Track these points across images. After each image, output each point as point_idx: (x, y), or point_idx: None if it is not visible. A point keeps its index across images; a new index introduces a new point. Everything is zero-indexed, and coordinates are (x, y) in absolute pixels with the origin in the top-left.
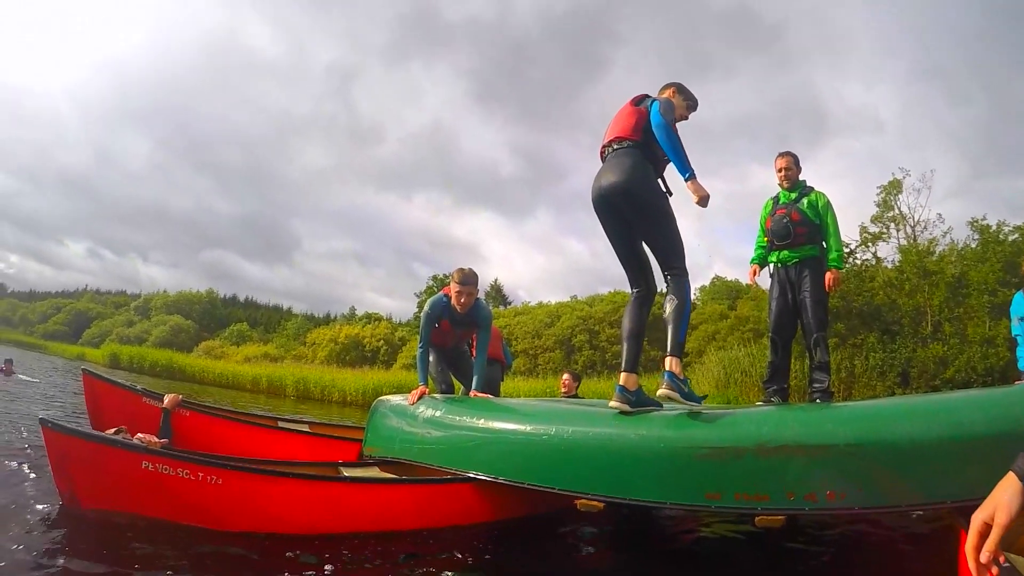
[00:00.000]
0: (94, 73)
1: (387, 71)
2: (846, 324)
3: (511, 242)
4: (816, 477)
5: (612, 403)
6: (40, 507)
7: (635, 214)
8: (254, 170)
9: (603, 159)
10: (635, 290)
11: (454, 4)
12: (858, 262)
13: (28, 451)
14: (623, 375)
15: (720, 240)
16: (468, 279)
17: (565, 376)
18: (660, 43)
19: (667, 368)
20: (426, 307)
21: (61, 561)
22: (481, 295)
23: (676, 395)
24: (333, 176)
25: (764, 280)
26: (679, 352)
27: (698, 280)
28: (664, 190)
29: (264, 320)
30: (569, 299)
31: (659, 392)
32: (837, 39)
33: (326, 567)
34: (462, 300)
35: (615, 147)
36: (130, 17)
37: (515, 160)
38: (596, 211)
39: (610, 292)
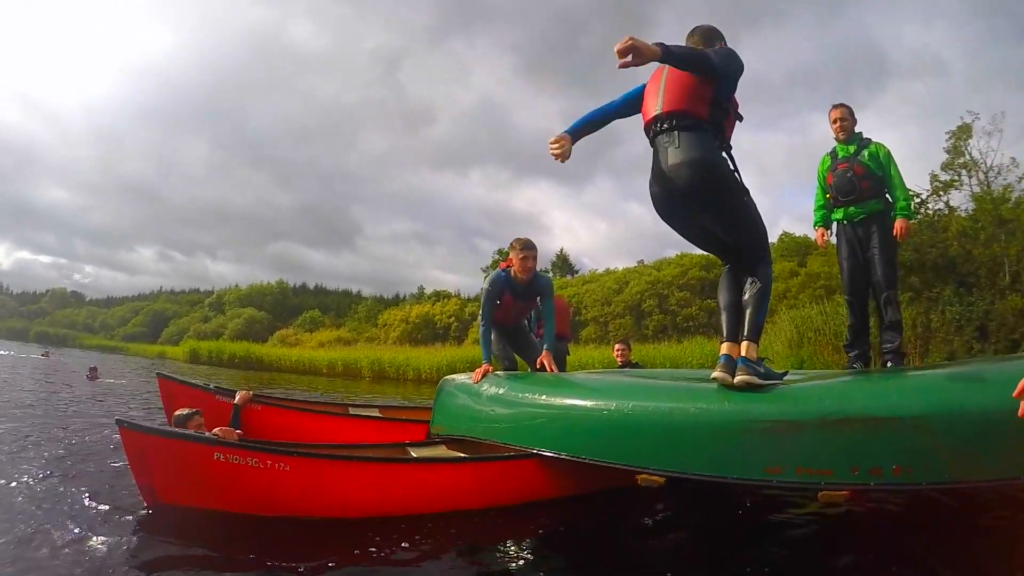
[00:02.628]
0: (143, 82)
1: (431, 52)
2: (920, 277)
3: (572, 211)
4: (881, 451)
5: (716, 373)
6: (122, 504)
7: (715, 217)
8: (310, 161)
9: (654, 136)
10: (726, 265)
11: None
12: (930, 212)
13: (111, 452)
14: (725, 344)
15: (784, 195)
16: (529, 244)
17: (618, 345)
18: None
19: (742, 353)
20: (486, 284)
21: (142, 554)
22: (547, 265)
23: (755, 379)
24: (389, 160)
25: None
26: (756, 336)
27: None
28: (741, 181)
29: (335, 305)
30: (636, 264)
31: (736, 379)
32: None
33: (395, 548)
34: (528, 265)
35: (675, 124)
36: (173, 22)
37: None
38: (659, 210)
39: (677, 255)
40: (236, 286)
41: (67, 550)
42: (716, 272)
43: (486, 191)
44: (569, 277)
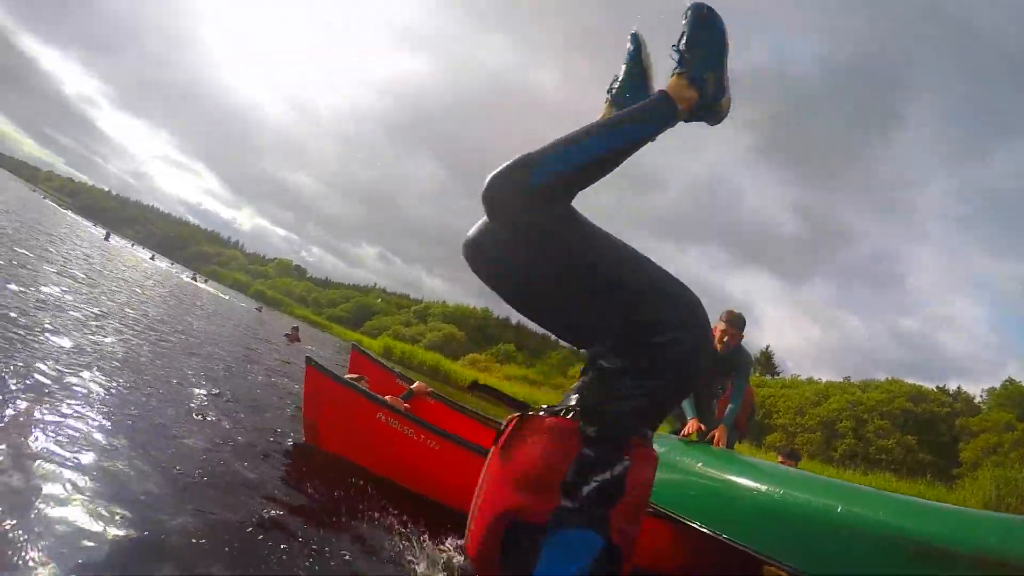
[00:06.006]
0: (395, 100)
1: None
2: None
3: (786, 308)
4: None
5: None
6: (285, 444)
7: None
8: None
9: None
10: None
11: (734, 54)
12: None
13: (291, 403)
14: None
15: (1015, 335)
16: (735, 321)
17: (780, 458)
18: (958, 91)
19: None
20: None
21: (286, 486)
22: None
23: None
24: (613, 219)
25: None
26: None
27: (986, 381)
28: None
29: (531, 346)
30: (841, 380)
31: None
32: None
33: None
34: (725, 339)
35: None
36: (431, 52)
37: (797, 220)
38: None
39: (886, 379)
40: (443, 302)
41: (227, 470)
42: (925, 408)
43: (702, 270)
44: (768, 377)
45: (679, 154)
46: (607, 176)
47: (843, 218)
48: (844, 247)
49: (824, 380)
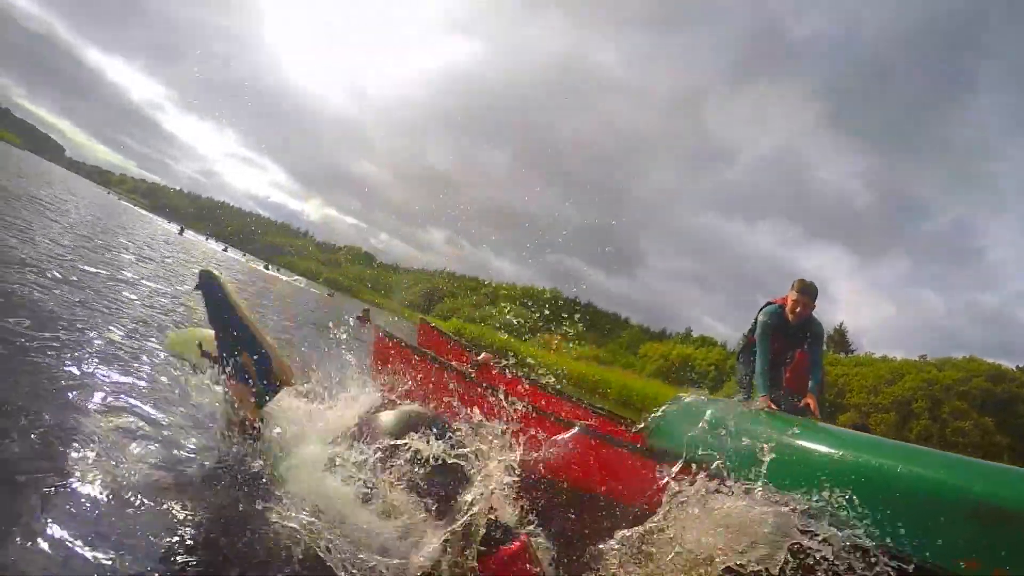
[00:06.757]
0: (452, 86)
1: (734, 92)
2: None
3: (861, 284)
4: None
5: None
6: None
7: None
8: (603, 183)
9: None
10: None
11: (798, 21)
12: None
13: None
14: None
15: None
16: (807, 289)
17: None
18: None
19: None
20: (762, 316)
21: None
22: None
23: None
24: (681, 195)
25: None
26: None
27: None
28: None
29: (600, 325)
30: (916, 358)
31: None
32: None
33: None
34: (797, 309)
35: None
36: (489, 38)
37: (871, 192)
38: None
39: (964, 358)
40: (512, 283)
41: None
42: (1004, 388)
43: (773, 246)
44: (841, 355)
45: (744, 128)
46: None
47: (919, 189)
48: (920, 220)
49: (899, 358)
